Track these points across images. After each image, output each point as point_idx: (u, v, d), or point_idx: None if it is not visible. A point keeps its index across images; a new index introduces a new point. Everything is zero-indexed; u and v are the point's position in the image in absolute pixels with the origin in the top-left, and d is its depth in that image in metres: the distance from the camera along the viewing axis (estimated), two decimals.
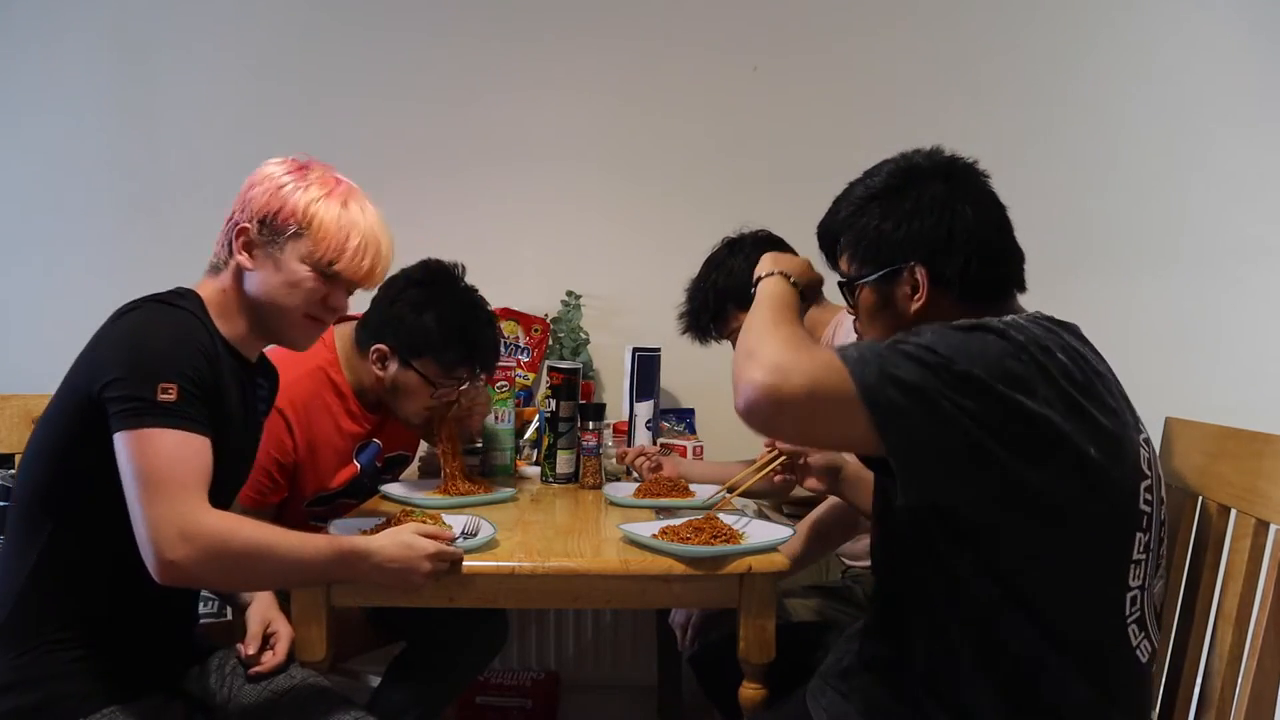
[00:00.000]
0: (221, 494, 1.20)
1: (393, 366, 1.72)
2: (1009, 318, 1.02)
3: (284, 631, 1.32)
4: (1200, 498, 1.28)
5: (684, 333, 1.94)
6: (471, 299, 1.78)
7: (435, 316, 1.68)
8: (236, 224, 1.23)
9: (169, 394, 1.08)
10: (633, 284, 2.52)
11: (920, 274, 1.09)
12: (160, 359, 1.10)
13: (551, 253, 2.54)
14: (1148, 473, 1.04)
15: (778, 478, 1.52)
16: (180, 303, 1.19)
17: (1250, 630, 1.11)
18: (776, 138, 2.52)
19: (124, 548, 1.07)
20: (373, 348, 1.71)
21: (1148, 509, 1.02)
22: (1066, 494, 0.97)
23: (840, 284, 1.20)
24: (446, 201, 2.52)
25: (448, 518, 1.38)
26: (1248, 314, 2.48)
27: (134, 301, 1.17)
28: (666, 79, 2.52)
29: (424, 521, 1.34)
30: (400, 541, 1.21)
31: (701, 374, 2.45)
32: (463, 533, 1.33)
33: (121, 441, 1.07)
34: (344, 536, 1.23)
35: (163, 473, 1.05)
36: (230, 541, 1.08)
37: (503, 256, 2.52)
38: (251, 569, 1.12)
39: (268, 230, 1.22)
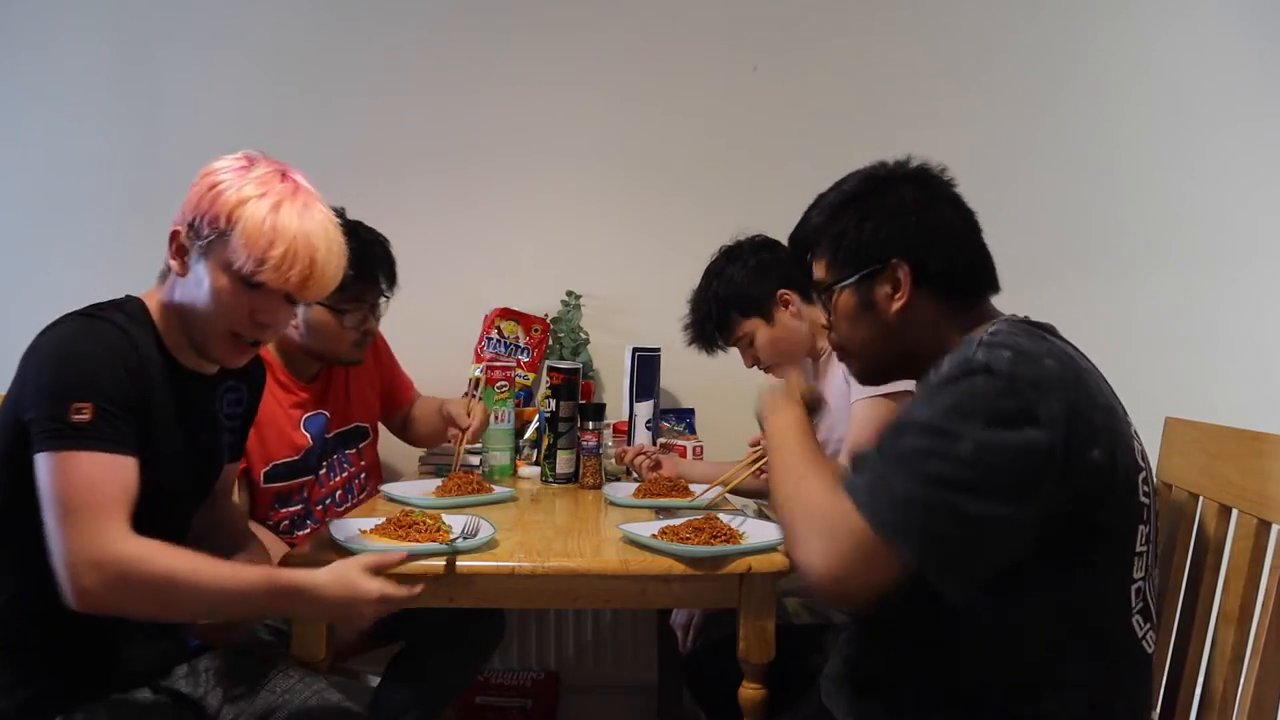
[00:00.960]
0: (169, 509, 1.18)
1: (299, 310, 1.72)
2: (988, 335, 1.01)
3: None
4: (1200, 498, 1.28)
5: (690, 344, 1.94)
6: (350, 222, 1.75)
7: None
8: (173, 226, 1.17)
9: (83, 414, 1.04)
10: (633, 284, 2.52)
11: (903, 272, 1.09)
12: (74, 378, 1.06)
13: (551, 253, 2.54)
14: (1142, 465, 1.04)
15: (762, 476, 1.52)
16: (109, 315, 1.13)
17: (1252, 631, 1.10)
18: (776, 137, 2.52)
19: None
20: None
21: (1146, 500, 1.03)
22: (1081, 502, 0.97)
23: (817, 291, 1.19)
24: (446, 201, 2.51)
25: (447, 518, 1.38)
26: (1248, 314, 2.48)
27: (61, 316, 1.12)
28: (666, 78, 2.52)
29: (423, 524, 1.34)
30: (344, 581, 1.13)
31: (701, 374, 2.45)
32: (462, 533, 1.33)
33: (40, 464, 1.04)
34: (284, 571, 1.16)
35: (78, 497, 1.02)
36: (142, 569, 1.03)
37: (503, 256, 2.53)
38: (170, 597, 1.06)
39: (193, 233, 1.14)
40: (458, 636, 1.83)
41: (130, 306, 1.18)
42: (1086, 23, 2.51)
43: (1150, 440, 1.41)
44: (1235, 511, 1.19)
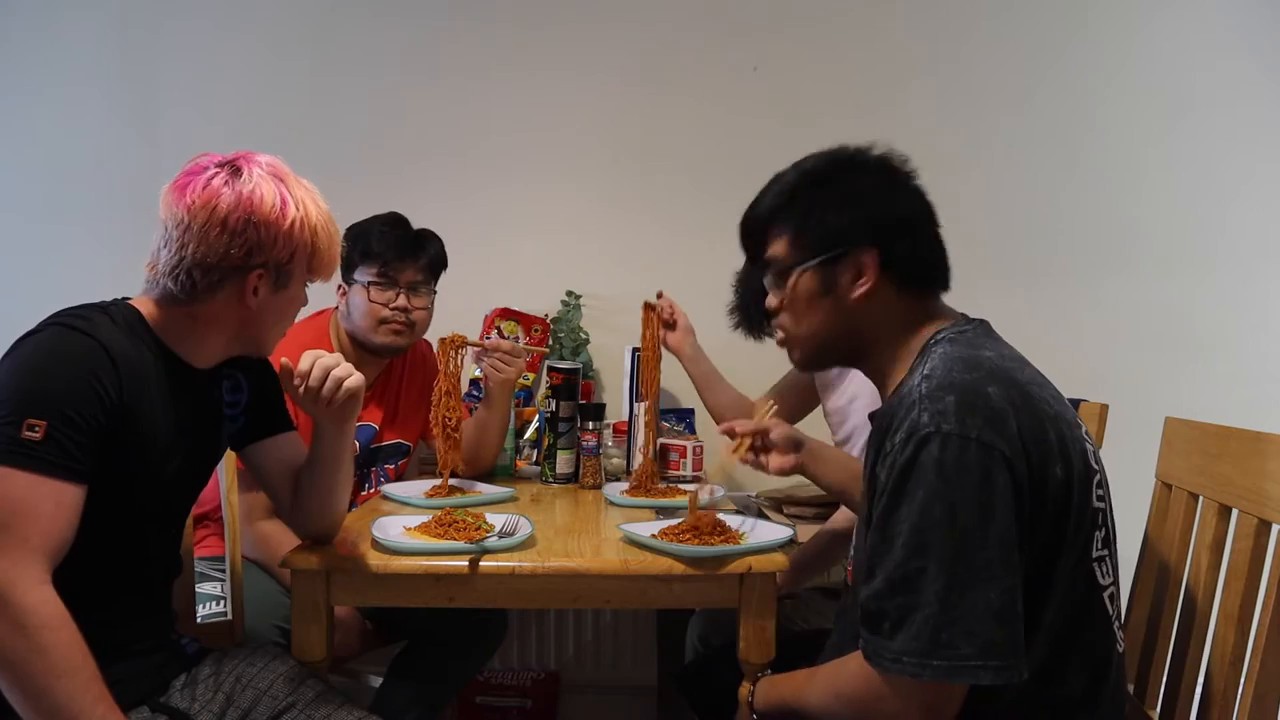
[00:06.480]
0: (165, 496, 1.20)
1: (349, 294, 1.84)
2: (923, 376, 0.99)
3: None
4: (1200, 498, 1.28)
5: (735, 328, 1.89)
6: (396, 216, 1.90)
7: (346, 233, 1.80)
8: (235, 266, 1.15)
9: (35, 432, 1.00)
10: (633, 284, 2.51)
11: (869, 258, 1.07)
12: (35, 393, 1.02)
13: (551, 253, 2.54)
14: (1096, 467, 1.03)
15: (745, 459, 1.51)
16: (90, 323, 1.10)
17: (1252, 631, 1.11)
18: (776, 137, 2.50)
19: (61, 574, 1.02)
20: (337, 289, 1.87)
21: (1101, 505, 1.02)
22: (1052, 528, 0.97)
23: (773, 271, 1.15)
24: (446, 200, 2.51)
25: (490, 516, 1.40)
26: (1248, 314, 2.48)
27: (42, 323, 1.10)
28: (667, 79, 2.52)
29: (463, 522, 1.35)
30: None
31: None
32: (500, 531, 1.33)
33: None
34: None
35: (3, 517, 0.98)
36: (36, 631, 0.96)
37: (503, 256, 2.52)
38: (32, 673, 0.96)
39: (284, 274, 1.20)
40: (459, 636, 1.83)
41: (118, 312, 1.16)
42: (1090, 26, 2.50)
43: (1150, 440, 1.42)
44: (1235, 511, 1.19)
